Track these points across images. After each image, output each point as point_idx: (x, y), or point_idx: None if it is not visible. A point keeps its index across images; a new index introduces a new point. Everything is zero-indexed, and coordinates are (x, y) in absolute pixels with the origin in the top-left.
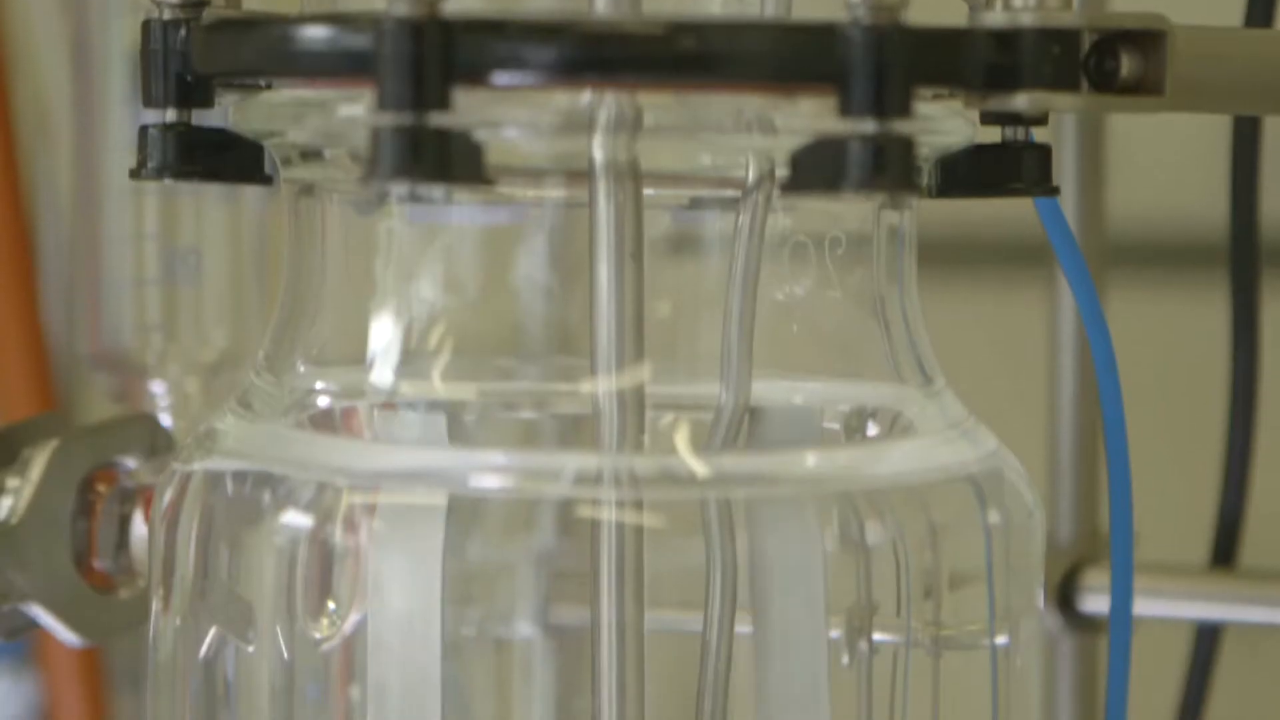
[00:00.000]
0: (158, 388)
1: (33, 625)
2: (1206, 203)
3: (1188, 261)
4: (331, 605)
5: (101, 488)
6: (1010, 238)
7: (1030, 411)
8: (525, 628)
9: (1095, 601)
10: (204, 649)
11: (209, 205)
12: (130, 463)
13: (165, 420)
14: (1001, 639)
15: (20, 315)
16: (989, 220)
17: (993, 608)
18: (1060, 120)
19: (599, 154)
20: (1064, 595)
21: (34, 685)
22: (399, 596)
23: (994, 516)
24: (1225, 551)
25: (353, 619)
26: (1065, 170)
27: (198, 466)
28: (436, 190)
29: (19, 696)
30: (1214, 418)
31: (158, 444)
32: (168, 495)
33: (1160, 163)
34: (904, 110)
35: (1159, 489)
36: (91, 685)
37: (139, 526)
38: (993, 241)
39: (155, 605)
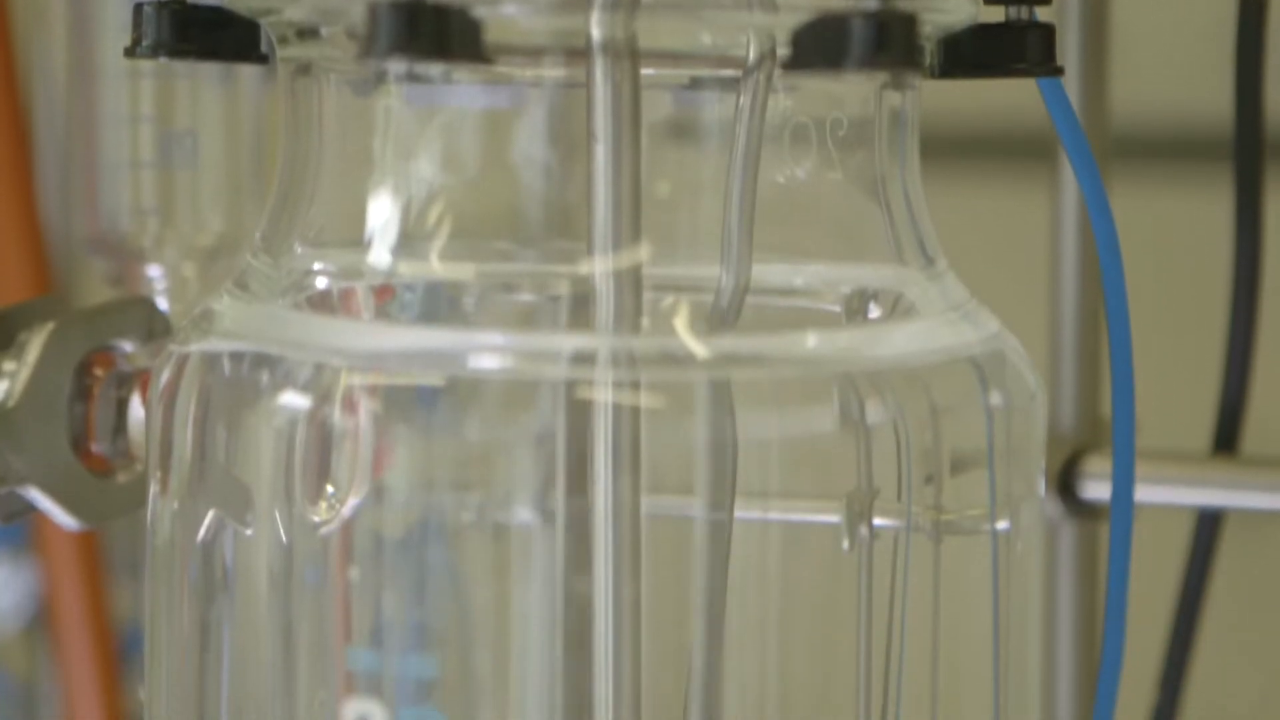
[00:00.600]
0: (154, 272)
1: (30, 509)
2: (1210, 96)
3: (1191, 154)
4: (330, 489)
5: (98, 371)
6: (1011, 131)
7: (1032, 304)
8: (524, 512)
9: (1096, 488)
10: (202, 532)
11: (205, 88)
12: (127, 346)
13: (162, 304)
14: (1002, 524)
15: (16, 199)
16: (990, 113)
17: (994, 492)
18: (1063, 11)
19: (596, 31)
20: (1065, 482)
21: (33, 572)
22: (398, 478)
23: (995, 398)
24: (1227, 438)
25: (352, 503)
26: (1068, 63)
27: (195, 348)
28: (434, 68)
29: (18, 583)
30: (1216, 307)
31: (155, 328)
32: (164, 376)
33: (1163, 56)
34: None
35: (1161, 376)
36: (90, 572)
37: (136, 410)
38: (994, 135)
39: (153, 488)
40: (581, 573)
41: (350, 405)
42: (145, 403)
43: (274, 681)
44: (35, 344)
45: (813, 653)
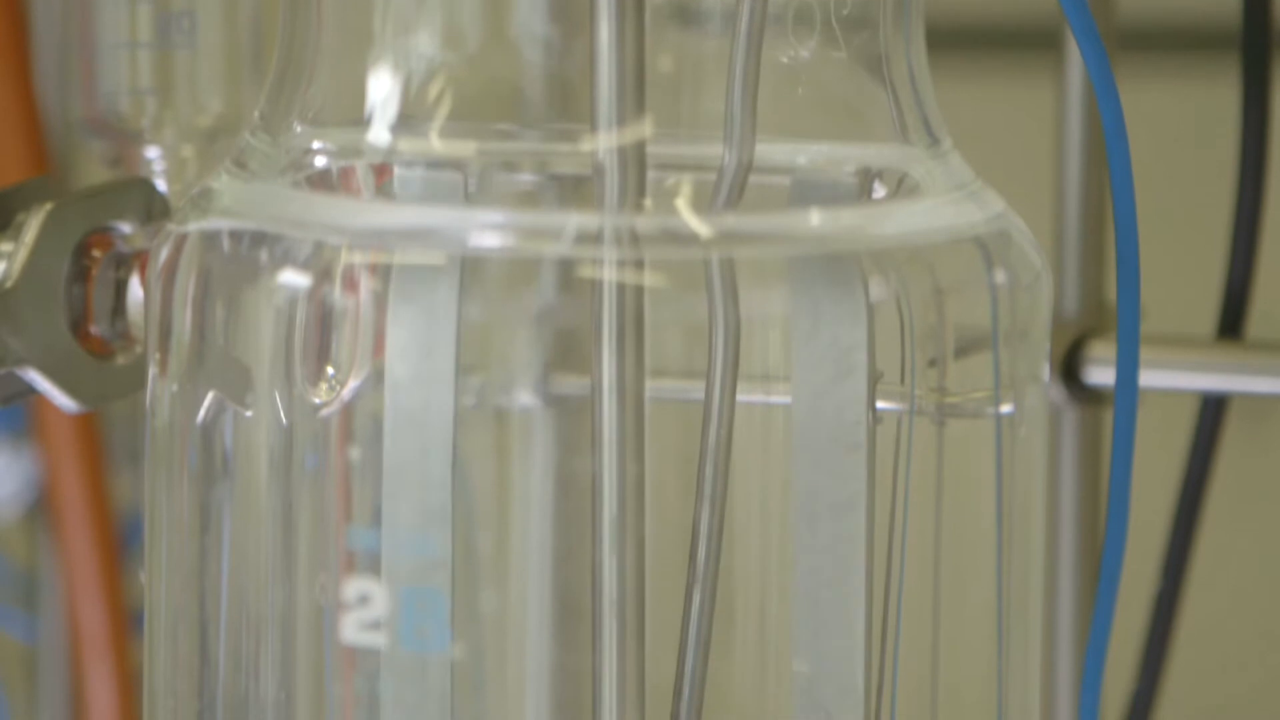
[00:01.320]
0: (153, 153)
1: (29, 391)
2: None
3: (1198, 45)
4: (330, 370)
5: (97, 253)
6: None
7: (1037, 195)
8: (525, 396)
9: (1100, 374)
10: (201, 414)
11: None
12: (125, 228)
13: (160, 186)
14: (1007, 408)
15: (13, 80)
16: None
17: (998, 375)
18: None
19: None
20: (1069, 367)
21: (32, 459)
22: (397, 358)
23: (1000, 277)
24: (1231, 323)
25: (352, 385)
26: None
27: (193, 227)
28: None
29: (17, 471)
30: (1221, 194)
31: (153, 209)
32: (163, 255)
33: None
34: None
35: (1165, 261)
36: (91, 458)
37: (135, 291)
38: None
39: (152, 370)
40: (584, 454)
41: (350, 283)
42: (144, 284)
43: (274, 564)
44: (32, 225)
45: None
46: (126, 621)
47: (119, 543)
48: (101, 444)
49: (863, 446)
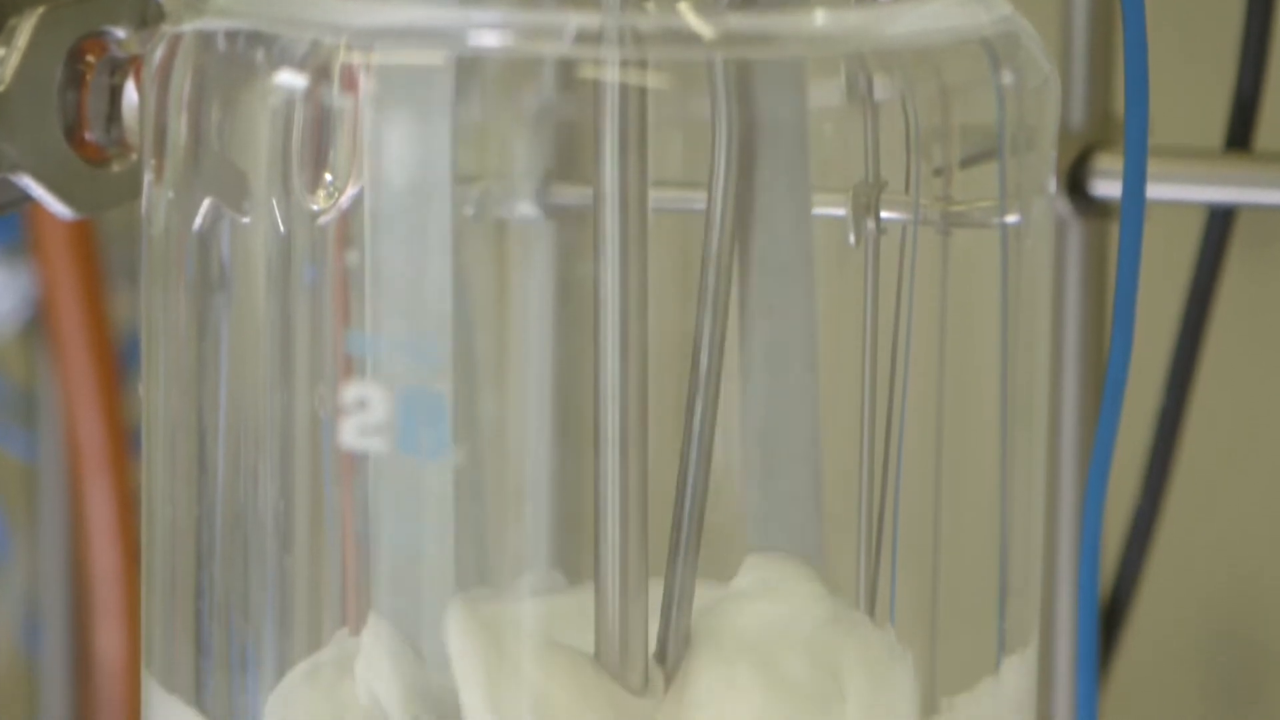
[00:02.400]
0: None
1: (24, 198)
2: None
3: None
4: (328, 176)
5: (91, 58)
6: None
7: (1043, 3)
8: (525, 205)
9: (1106, 186)
10: (198, 221)
11: None
12: (120, 32)
13: None
14: (1012, 218)
15: None
16: None
17: (1003, 183)
18: None
19: None
20: (1074, 180)
21: (29, 274)
22: (395, 161)
23: (1007, 78)
24: (1240, 135)
25: (350, 192)
26: None
27: (188, 27)
28: None
29: (15, 288)
30: (1232, 3)
31: (148, 14)
32: (158, 56)
33: None
34: None
35: (1174, 72)
36: (88, 274)
37: (130, 97)
38: None
39: (147, 177)
40: (585, 262)
41: (348, 84)
42: (139, 88)
43: (273, 372)
44: (25, 29)
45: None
46: (125, 438)
47: (118, 360)
48: (99, 260)
49: (858, 258)
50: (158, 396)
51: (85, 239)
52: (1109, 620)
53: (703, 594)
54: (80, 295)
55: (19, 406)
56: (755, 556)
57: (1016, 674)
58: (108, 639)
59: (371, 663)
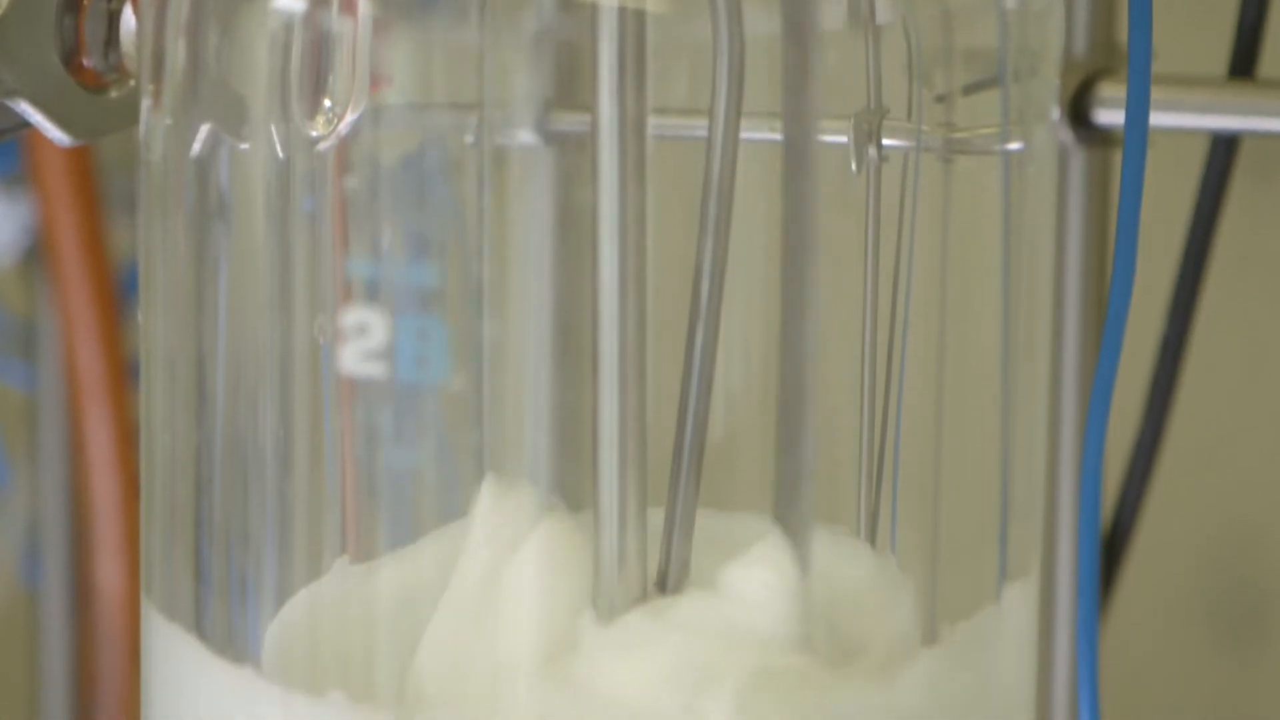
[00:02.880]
0: None
1: (22, 124)
2: None
3: None
4: (328, 102)
5: None
6: None
7: None
8: (524, 133)
9: (1109, 115)
10: (196, 147)
11: None
12: None
13: None
14: (1015, 145)
15: None
16: None
17: (1006, 109)
18: None
19: None
20: (1077, 109)
21: (29, 205)
22: (394, 86)
23: (1010, 2)
24: (1244, 62)
25: (349, 119)
26: None
27: None
28: None
29: (14, 219)
30: None
31: None
32: None
33: None
34: None
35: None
36: (87, 204)
37: (128, 22)
38: None
39: (145, 103)
40: (585, 188)
41: (346, 7)
42: (136, 13)
43: (272, 300)
44: None
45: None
46: (125, 368)
47: (117, 291)
48: (98, 190)
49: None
50: (156, 324)
51: (84, 169)
52: (1110, 551)
53: (704, 522)
54: (79, 225)
55: (18, 337)
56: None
57: (1018, 602)
58: (108, 569)
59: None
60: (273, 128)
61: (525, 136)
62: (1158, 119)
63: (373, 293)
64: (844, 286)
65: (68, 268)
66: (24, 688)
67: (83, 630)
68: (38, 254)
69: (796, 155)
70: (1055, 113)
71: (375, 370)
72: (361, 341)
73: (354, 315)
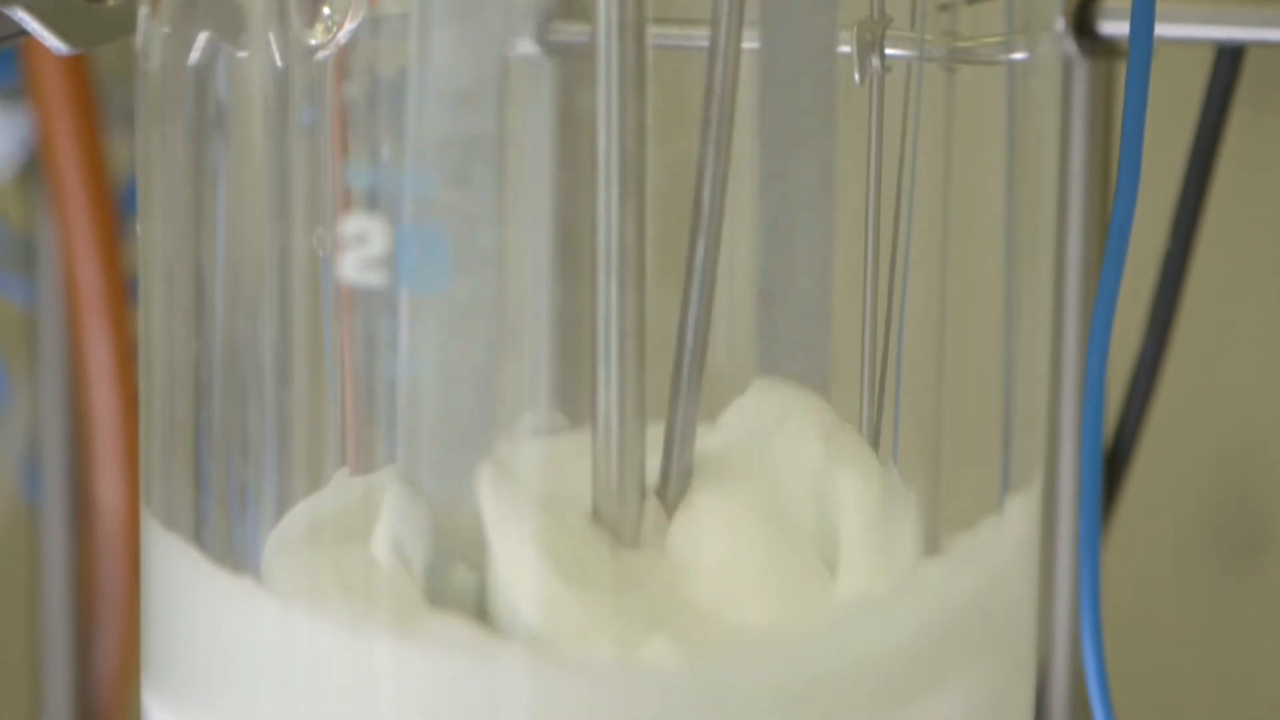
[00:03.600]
0: None
1: (19, 33)
2: None
3: None
4: (326, 10)
5: None
6: None
7: None
8: (525, 43)
9: (1114, 25)
10: (195, 56)
11: None
12: None
13: None
14: (1019, 55)
15: None
16: None
17: (1010, 19)
18: None
19: None
20: (1082, 19)
21: (26, 120)
22: None
23: None
24: None
25: (348, 27)
26: None
27: None
28: None
29: (12, 132)
30: None
31: None
32: None
33: None
34: None
35: None
36: (85, 119)
37: None
38: None
39: (143, 11)
40: (587, 95)
41: None
42: None
43: (271, 211)
44: None
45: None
46: (124, 282)
47: (116, 205)
48: (96, 103)
49: (863, 97)
50: (155, 236)
51: (82, 81)
52: (1111, 467)
53: (705, 435)
54: (78, 138)
55: (17, 252)
56: (764, 380)
57: (1020, 513)
58: (108, 483)
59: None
60: (271, 36)
61: (526, 46)
62: (1162, 30)
63: (372, 201)
64: (847, 198)
65: (66, 181)
66: (25, 601)
67: (83, 544)
68: (36, 167)
69: (796, 65)
70: (1060, 23)
71: (375, 279)
72: (361, 250)
73: (353, 224)
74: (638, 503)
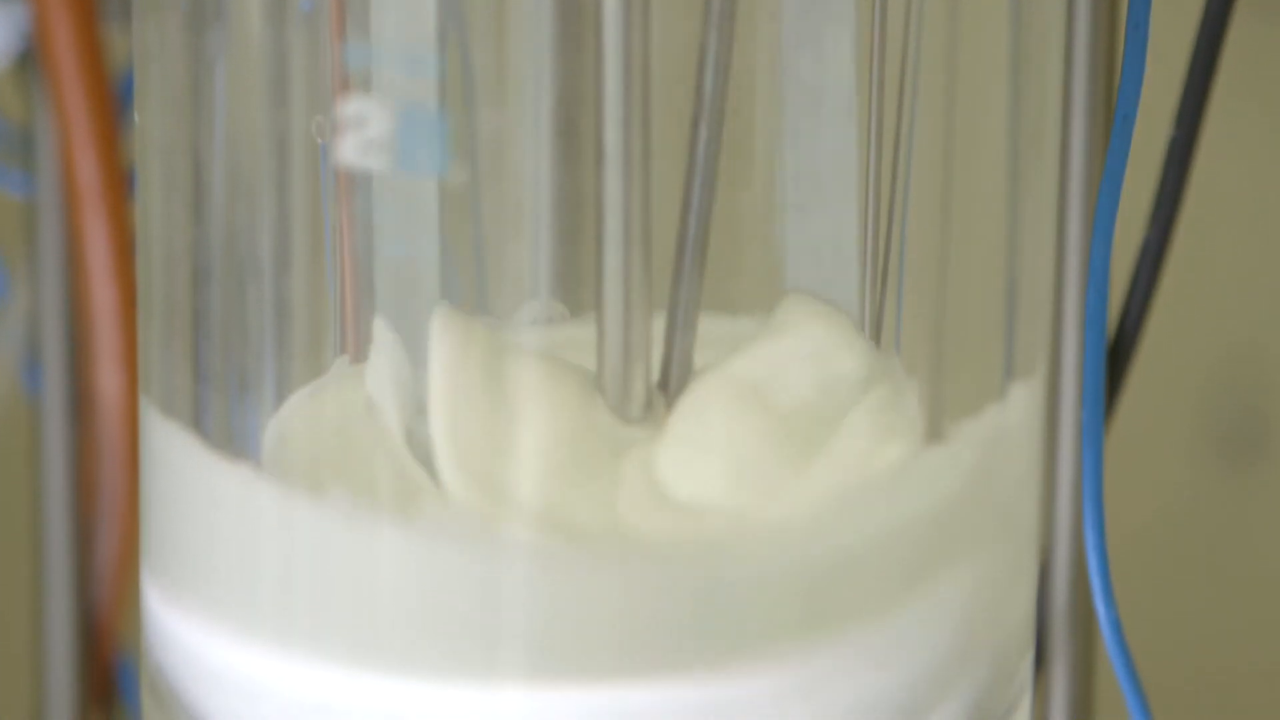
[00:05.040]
0: None
1: None
2: None
3: None
4: None
5: None
6: None
7: None
8: None
9: None
10: None
11: None
12: None
13: None
14: None
15: None
16: None
17: None
18: None
19: None
20: None
21: (22, 10)
22: None
23: None
24: None
25: None
26: None
27: None
28: None
29: (8, 24)
30: None
31: None
32: None
33: None
34: None
35: None
36: (83, 11)
37: None
38: None
39: None
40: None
41: None
42: None
43: (269, 99)
44: None
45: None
46: (123, 174)
47: (114, 97)
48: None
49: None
50: (153, 124)
51: None
52: (1115, 357)
53: (713, 327)
54: (74, 28)
55: (14, 143)
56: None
57: (1023, 401)
58: (107, 374)
59: (374, 369)
60: None
61: None
62: None
63: (371, 84)
64: (849, 82)
65: (63, 72)
66: (25, 493)
67: (83, 435)
68: (33, 59)
69: None
70: None
71: (374, 162)
72: (360, 132)
73: (353, 106)
74: (643, 390)
